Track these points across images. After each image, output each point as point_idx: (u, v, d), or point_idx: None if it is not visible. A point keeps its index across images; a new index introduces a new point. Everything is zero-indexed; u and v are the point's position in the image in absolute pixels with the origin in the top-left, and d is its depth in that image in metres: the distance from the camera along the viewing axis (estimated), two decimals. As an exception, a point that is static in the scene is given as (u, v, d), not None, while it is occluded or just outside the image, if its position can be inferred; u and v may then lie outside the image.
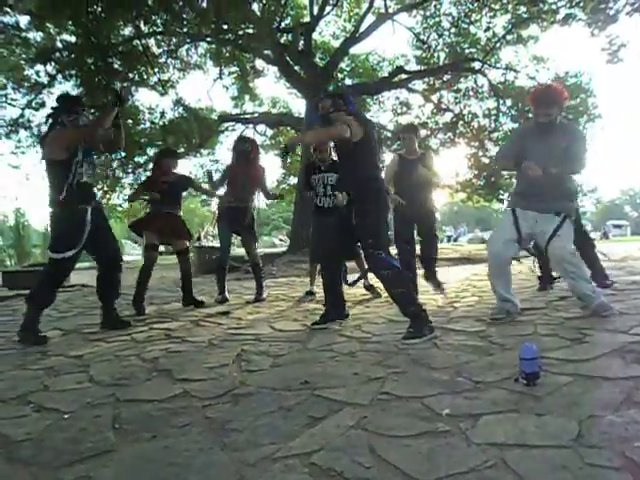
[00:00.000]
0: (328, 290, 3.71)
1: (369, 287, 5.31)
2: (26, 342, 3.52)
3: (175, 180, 5.20)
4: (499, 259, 3.56)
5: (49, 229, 3.93)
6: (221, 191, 5.55)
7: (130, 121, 13.76)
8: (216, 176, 5.91)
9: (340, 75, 16.94)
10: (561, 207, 3.40)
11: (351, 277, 5.05)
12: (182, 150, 14.76)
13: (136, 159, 15.39)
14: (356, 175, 3.43)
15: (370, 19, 14.68)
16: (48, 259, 3.83)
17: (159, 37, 13.76)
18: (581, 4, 10.63)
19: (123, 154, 14.83)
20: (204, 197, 21.39)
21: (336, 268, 3.74)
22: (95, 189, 4.10)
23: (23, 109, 13.52)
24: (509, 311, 3.50)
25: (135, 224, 5.40)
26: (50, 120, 3.88)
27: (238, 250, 8.51)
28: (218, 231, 5.57)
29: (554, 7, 11.73)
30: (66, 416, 1.97)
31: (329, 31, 17.61)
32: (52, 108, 3.94)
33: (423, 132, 15.61)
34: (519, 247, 3.63)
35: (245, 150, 5.34)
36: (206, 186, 5.47)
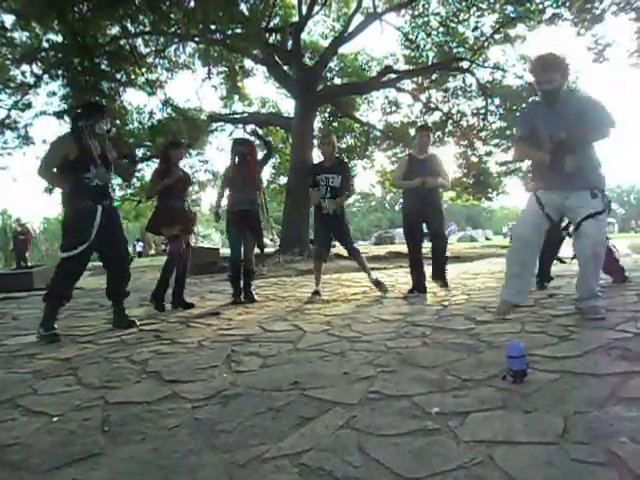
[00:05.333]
0: None
1: (377, 282, 5.37)
2: (42, 340, 3.59)
3: (182, 175, 5.18)
4: (523, 242, 3.36)
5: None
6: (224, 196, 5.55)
7: (118, 122, 13.66)
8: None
9: (329, 75, 16.96)
10: (592, 182, 3.14)
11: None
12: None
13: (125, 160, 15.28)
14: None
15: (359, 19, 14.69)
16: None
17: (146, 37, 13.65)
18: (567, 4, 10.76)
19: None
20: (194, 197, 21.26)
21: None
22: None
23: (9, 110, 13.34)
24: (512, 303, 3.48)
25: (155, 226, 5.12)
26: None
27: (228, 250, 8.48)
28: (228, 236, 5.50)
29: (541, 7, 11.85)
30: (55, 419, 1.96)
31: (318, 31, 17.63)
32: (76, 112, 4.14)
33: (412, 131, 15.70)
34: (544, 232, 3.39)
35: (242, 153, 5.37)
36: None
